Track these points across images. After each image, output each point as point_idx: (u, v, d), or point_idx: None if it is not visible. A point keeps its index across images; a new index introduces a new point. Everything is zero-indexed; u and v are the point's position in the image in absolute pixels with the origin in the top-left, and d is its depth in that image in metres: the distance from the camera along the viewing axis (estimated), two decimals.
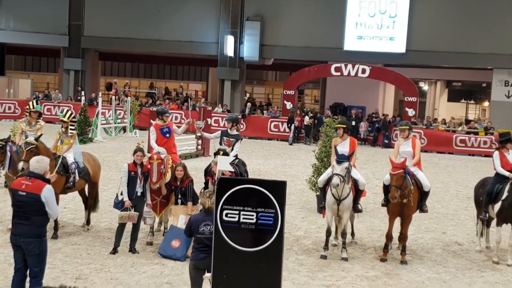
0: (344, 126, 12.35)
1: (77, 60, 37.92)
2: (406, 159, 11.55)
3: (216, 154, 11.83)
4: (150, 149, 13.19)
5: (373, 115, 33.63)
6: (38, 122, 13.17)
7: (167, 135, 12.70)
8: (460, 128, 32.21)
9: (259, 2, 35.97)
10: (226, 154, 11.67)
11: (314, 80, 40.75)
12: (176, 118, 30.88)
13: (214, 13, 36.41)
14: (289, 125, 31.80)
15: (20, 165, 11.24)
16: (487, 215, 12.24)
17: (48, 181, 8.01)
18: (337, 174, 11.12)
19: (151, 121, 23.09)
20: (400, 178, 11.05)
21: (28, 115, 13.31)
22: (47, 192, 7.82)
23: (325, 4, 34.88)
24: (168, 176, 11.75)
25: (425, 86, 42.32)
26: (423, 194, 11.89)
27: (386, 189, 11.69)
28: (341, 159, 11.23)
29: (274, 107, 36.10)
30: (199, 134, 14.43)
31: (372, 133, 32.12)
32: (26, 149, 11.31)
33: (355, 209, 11.93)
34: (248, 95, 43.99)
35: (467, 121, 35.76)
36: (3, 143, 11.97)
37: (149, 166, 11.28)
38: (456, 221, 15.32)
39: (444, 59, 34.39)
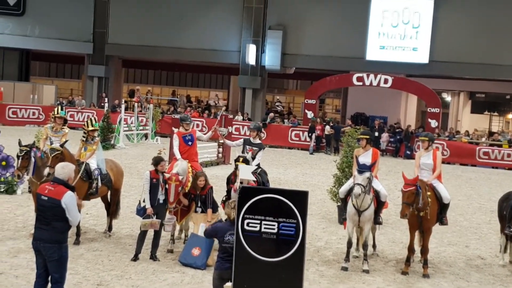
0: (368, 137, 12.29)
1: (101, 67, 38.28)
2: (418, 176, 11.43)
3: (236, 161, 11.81)
4: (172, 156, 13.20)
5: (395, 125, 33.45)
6: (63, 128, 13.28)
7: (190, 143, 12.71)
8: (483, 140, 31.93)
9: (282, 11, 36.02)
10: (246, 161, 11.63)
11: (335, 89, 40.67)
12: (197, 125, 30.99)
13: (237, 22, 36.54)
14: (310, 135, 31.73)
15: (46, 171, 11.32)
16: None
17: (71, 187, 8.06)
18: (358, 184, 11.05)
19: (173, 128, 23.21)
20: (411, 195, 10.92)
21: (53, 121, 13.43)
22: (67, 198, 7.83)
23: (348, 14, 34.84)
24: (189, 185, 11.77)
25: (448, 97, 42.05)
26: (442, 207, 11.75)
27: None
28: (362, 169, 11.16)
29: (292, 116, 35.89)
30: (221, 141, 14.46)
31: (394, 144, 31.96)
32: (52, 155, 11.40)
33: (376, 221, 11.82)
34: (282, 107, 43.86)
35: (491, 133, 35.42)
36: (28, 148, 12.08)
37: (166, 186, 11.29)
38: (479, 235, 15.16)
39: (468, 70, 34.17)
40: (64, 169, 8.07)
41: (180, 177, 11.38)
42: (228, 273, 7.94)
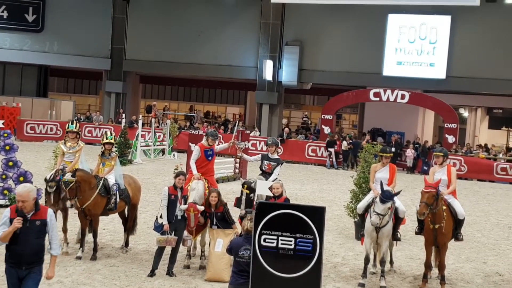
0: (391, 155, 12.28)
1: (119, 83, 38.56)
2: (441, 179, 11.39)
3: (242, 186, 11.72)
4: (189, 169, 13.17)
5: (416, 141, 33.23)
6: (78, 143, 13.31)
7: (209, 158, 12.74)
8: (500, 155, 31.72)
9: (298, 27, 36.16)
10: (250, 188, 11.51)
11: (352, 105, 40.64)
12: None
13: (254, 38, 36.71)
14: (328, 151, 31.66)
15: (68, 204, 11.41)
16: None
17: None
18: (377, 214, 10.97)
19: (190, 143, 23.32)
20: (431, 196, 10.83)
21: (66, 136, 13.51)
22: None
23: (365, 30, 34.89)
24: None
25: (465, 113, 41.85)
26: (458, 222, 11.66)
27: None
28: (386, 198, 10.96)
29: (308, 133, 35.77)
30: (239, 155, 14.42)
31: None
32: (67, 188, 11.40)
33: (394, 237, 11.77)
34: (310, 122, 43.72)
35: (508, 149, 35.15)
36: (57, 184, 11.88)
37: (186, 215, 11.29)
38: (497, 251, 15.03)
39: (485, 85, 34.02)
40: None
41: (198, 207, 11.31)
42: None
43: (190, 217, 11.23)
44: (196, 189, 11.73)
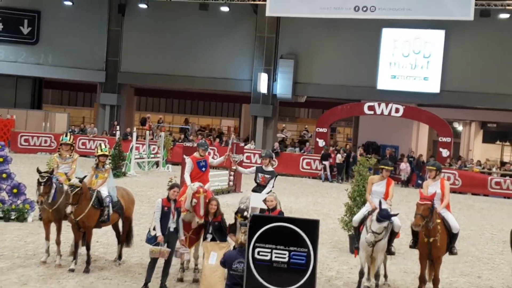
0: (392, 168, 12.25)
1: (113, 95, 38.57)
2: (436, 193, 11.36)
3: (236, 213, 11.59)
4: (183, 182, 13.13)
5: (410, 154, 33.29)
6: (71, 155, 13.31)
7: (203, 169, 12.72)
8: (494, 169, 31.78)
9: (293, 41, 36.29)
10: (244, 216, 11.46)
11: (347, 118, 40.72)
12: (208, 153, 30.96)
13: (249, 51, 36.82)
14: (322, 163, 31.68)
15: (69, 209, 11.31)
16: None
17: None
18: (373, 232, 10.94)
19: (184, 156, 23.27)
20: (427, 209, 10.78)
21: (60, 148, 13.53)
22: None
23: (359, 43, 35.03)
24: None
25: (459, 127, 41.97)
26: (452, 236, 11.63)
27: (414, 231, 11.46)
28: (383, 217, 10.91)
29: (296, 146, 35.84)
30: (234, 167, 14.42)
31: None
32: (73, 193, 11.38)
33: (388, 251, 11.73)
34: (310, 134, 43.63)
35: (502, 163, 35.22)
36: (49, 174, 12.01)
37: (195, 200, 11.20)
38: (492, 265, 15.00)
39: (479, 100, 34.15)
40: None
41: (205, 187, 11.29)
42: None
43: (199, 202, 11.13)
44: (196, 183, 11.66)
